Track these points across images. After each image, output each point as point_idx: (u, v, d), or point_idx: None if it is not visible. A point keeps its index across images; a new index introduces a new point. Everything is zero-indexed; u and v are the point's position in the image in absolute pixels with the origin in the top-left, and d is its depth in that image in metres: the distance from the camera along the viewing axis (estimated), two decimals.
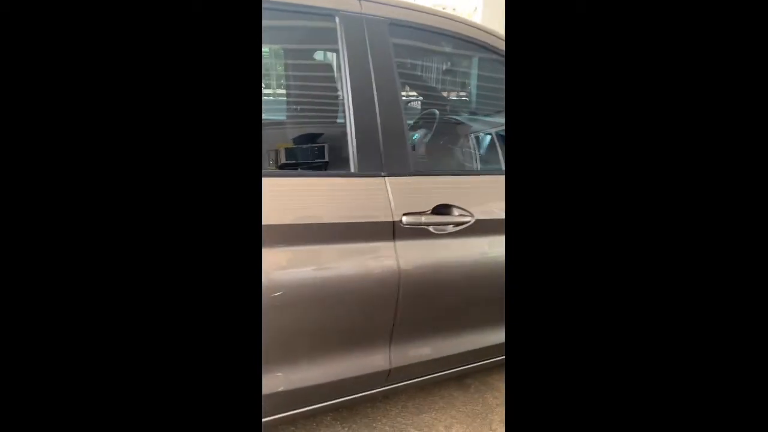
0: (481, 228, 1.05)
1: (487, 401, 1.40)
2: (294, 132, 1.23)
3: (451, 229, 1.02)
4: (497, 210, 1.09)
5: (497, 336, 1.18)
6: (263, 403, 0.88)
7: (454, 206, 1.02)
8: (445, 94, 1.63)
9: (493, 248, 1.09)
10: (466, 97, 1.68)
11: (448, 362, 1.14)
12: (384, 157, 0.96)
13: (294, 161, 1.10)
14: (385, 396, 1.39)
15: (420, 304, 1.03)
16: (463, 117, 1.59)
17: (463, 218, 1.02)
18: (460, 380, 1.48)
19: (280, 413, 0.97)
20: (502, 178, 1.18)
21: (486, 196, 1.10)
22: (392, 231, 0.96)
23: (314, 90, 1.25)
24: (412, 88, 1.56)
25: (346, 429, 1.26)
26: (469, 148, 1.58)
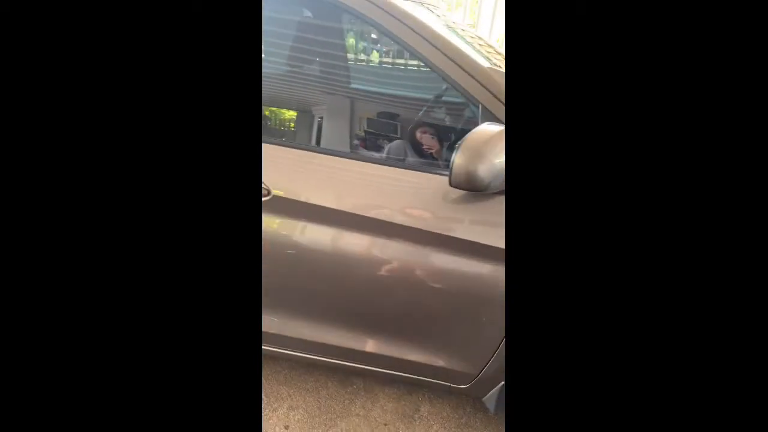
0: (280, 207, 0.95)
1: (351, 404, 1.27)
2: None
3: None
4: (313, 194, 0.96)
5: (308, 331, 1.06)
6: None
7: None
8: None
9: (292, 232, 0.98)
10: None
11: None
12: None
13: None
14: None
15: None
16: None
17: None
18: (346, 376, 1.38)
19: None
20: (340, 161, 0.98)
21: (304, 175, 0.98)
22: None
23: None
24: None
25: None
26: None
